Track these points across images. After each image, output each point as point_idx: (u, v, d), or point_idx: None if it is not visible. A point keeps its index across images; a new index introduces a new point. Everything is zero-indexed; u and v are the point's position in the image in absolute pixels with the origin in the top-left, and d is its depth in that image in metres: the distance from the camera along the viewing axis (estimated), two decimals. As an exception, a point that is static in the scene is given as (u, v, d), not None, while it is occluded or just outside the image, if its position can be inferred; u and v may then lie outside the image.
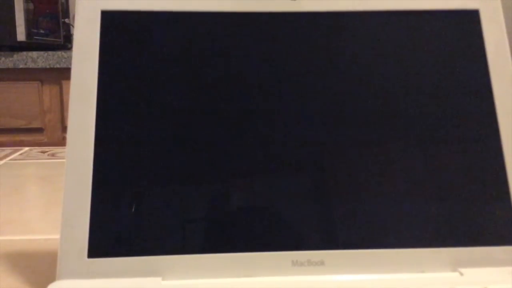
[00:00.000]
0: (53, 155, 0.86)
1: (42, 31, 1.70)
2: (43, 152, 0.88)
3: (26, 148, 0.91)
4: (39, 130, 1.68)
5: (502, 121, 0.38)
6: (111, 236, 0.35)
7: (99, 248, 0.35)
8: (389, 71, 0.38)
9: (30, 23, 1.64)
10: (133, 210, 0.35)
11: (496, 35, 0.39)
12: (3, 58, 1.61)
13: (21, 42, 1.61)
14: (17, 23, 1.60)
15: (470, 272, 0.35)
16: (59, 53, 1.64)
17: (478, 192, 0.37)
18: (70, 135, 0.36)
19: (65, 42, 1.86)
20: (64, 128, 1.66)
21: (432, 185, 0.37)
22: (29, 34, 1.62)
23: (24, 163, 0.80)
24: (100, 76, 0.37)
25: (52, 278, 0.34)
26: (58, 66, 1.63)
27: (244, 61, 0.38)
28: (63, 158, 0.82)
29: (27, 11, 1.63)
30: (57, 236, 0.35)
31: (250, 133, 0.37)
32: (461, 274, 0.35)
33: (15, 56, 1.61)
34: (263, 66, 0.38)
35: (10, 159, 0.82)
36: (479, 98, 0.38)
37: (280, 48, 0.38)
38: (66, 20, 1.86)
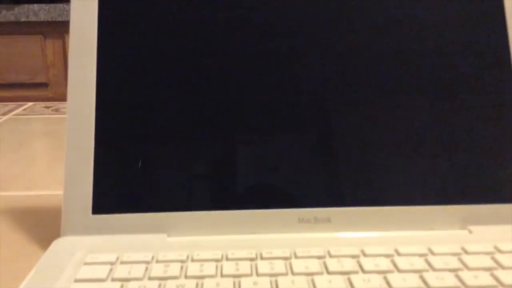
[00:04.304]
0: (57, 110, 0.85)
1: (43, -17, 1.66)
2: (47, 107, 0.87)
3: (30, 103, 0.90)
4: (43, 85, 1.67)
5: (518, 75, 0.36)
6: (116, 192, 0.35)
7: (104, 205, 0.34)
8: (404, 30, 0.37)
9: (31, -25, 1.59)
10: (137, 166, 0.35)
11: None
12: (4, 11, 1.58)
13: (22, -6, 1.58)
14: (17, -25, 1.56)
15: (479, 230, 0.34)
16: (60, 5, 1.60)
17: (488, 149, 0.36)
18: (70, 89, 0.35)
19: (67, -5, 1.82)
20: (68, 83, 1.64)
21: (441, 142, 0.36)
22: (30, -14, 1.58)
23: (28, 118, 0.79)
24: (100, 25, 0.36)
25: (57, 234, 0.34)
26: (60, 19, 1.60)
27: (249, 23, 0.36)
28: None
29: (27, -38, 1.59)
30: (62, 192, 0.34)
31: (257, 89, 0.36)
32: (470, 231, 0.34)
33: (16, 9, 1.58)
34: (265, 25, 0.36)
35: (14, 114, 0.82)
36: (493, 54, 0.37)
37: (287, 4, 0.37)
38: (67, -28, 1.82)
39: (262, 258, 0.31)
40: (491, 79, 0.36)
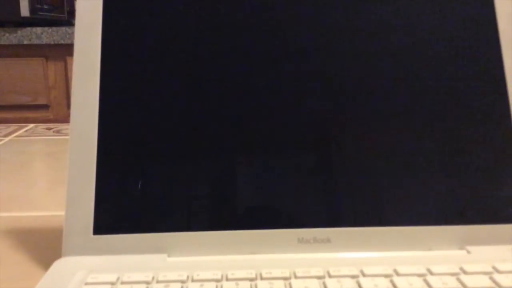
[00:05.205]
0: (58, 131, 0.86)
1: (46, 7, 1.69)
2: (49, 128, 0.88)
3: (32, 125, 0.91)
4: (44, 106, 1.68)
5: (513, 97, 0.37)
6: (117, 213, 0.35)
7: (105, 225, 0.35)
8: (396, 43, 0.37)
9: (34, -2, 1.62)
10: (138, 186, 0.35)
11: (507, 4, 0.38)
12: (7, 34, 1.60)
13: (25, 17, 1.60)
14: (20, -2, 1.58)
15: (478, 250, 0.34)
16: (63, 28, 1.62)
17: (486, 169, 0.36)
18: (73, 111, 0.36)
19: (69, 18, 1.84)
20: (70, 105, 1.65)
21: (439, 162, 0.36)
22: (33, 9, 1.61)
23: (29, 139, 0.80)
24: (103, 50, 0.36)
25: (58, 255, 0.34)
26: (62, 42, 1.62)
27: (252, 31, 0.37)
28: (68, 135, 0.82)
29: (30, -14, 1.61)
30: (63, 213, 0.35)
31: (257, 109, 0.36)
32: (468, 252, 0.34)
33: (19, 32, 1.60)
34: (266, 37, 0.37)
35: (16, 136, 0.82)
36: (489, 71, 0.37)
37: (283, 16, 0.37)
38: (70, -5, 1.84)
39: (262, 278, 0.31)
40: (489, 101, 0.37)
